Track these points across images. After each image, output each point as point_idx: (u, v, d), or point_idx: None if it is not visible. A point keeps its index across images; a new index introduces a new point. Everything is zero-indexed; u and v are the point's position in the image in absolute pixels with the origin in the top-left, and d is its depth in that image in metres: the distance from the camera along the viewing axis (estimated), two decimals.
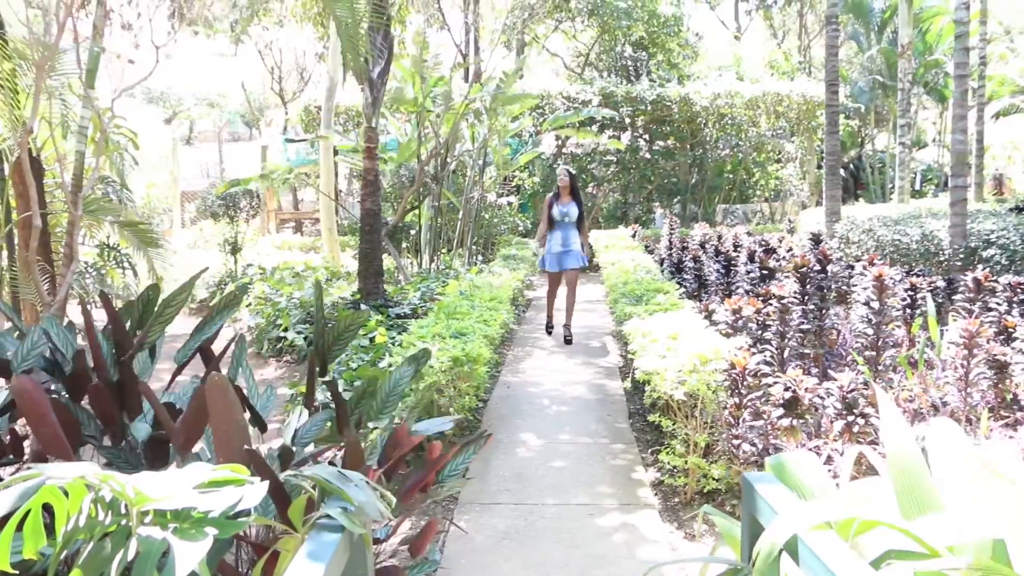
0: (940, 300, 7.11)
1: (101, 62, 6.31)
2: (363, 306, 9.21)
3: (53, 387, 3.38)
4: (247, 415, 3.34)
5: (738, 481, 4.51)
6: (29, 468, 1.68)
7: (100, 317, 8.17)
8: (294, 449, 3.02)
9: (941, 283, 7.36)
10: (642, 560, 4.04)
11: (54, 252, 7.09)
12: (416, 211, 13.76)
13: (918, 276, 7.14)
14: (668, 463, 4.85)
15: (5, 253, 7.38)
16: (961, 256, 9.57)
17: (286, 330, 9.09)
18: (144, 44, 6.89)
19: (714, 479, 4.62)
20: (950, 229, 9.91)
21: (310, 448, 3.16)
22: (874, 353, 5.71)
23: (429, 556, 3.27)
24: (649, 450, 5.67)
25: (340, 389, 5.97)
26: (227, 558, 2.78)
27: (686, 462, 4.71)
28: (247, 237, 15.40)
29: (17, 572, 2.09)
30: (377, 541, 3.38)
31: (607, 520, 4.54)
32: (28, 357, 3.33)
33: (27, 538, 1.61)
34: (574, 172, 9.73)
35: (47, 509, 1.65)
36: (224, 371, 3.32)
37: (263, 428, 3.32)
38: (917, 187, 25.58)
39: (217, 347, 3.78)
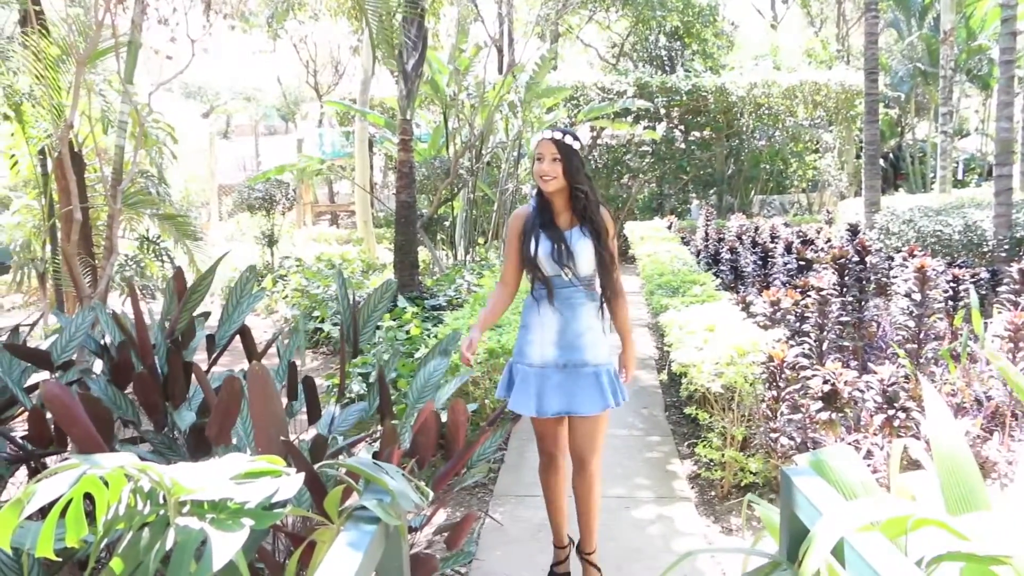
0: (984, 292, 6.99)
1: (139, 57, 6.38)
2: (399, 298, 9.25)
3: (97, 373, 3.42)
4: (304, 404, 3.38)
5: (776, 475, 4.47)
6: (69, 458, 1.70)
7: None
8: (329, 439, 3.04)
9: (985, 274, 7.22)
10: (679, 553, 4.01)
11: (95, 245, 7.20)
12: (451, 203, 13.78)
13: (961, 267, 7.01)
14: (705, 456, 4.81)
15: (48, 246, 7.50)
16: (1006, 247, 9.39)
17: (322, 321, 9.15)
18: (181, 39, 6.95)
19: (751, 473, 4.58)
20: (994, 219, 9.72)
21: (343, 439, 3.18)
22: (915, 346, 5.62)
23: (464, 548, 3.27)
24: (685, 443, 5.63)
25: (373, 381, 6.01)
26: (264, 547, 2.80)
27: (723, 455, 4.67)
28: (283, 230, 15.53)
29: (60, 559, 2.12)
30: (412, 531, 3.39)
31: (643, 513, 4.52)
32: (68, 347, 3.38)
33: (69, 526, 1.63)
34: (574, 143, 3.45)
35: (89, 498, 1.67)
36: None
37: (316, 416, 3.35)
38: (959, 177, 25.14)
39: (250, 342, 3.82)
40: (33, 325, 4.31)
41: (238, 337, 3.72)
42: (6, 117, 6.77)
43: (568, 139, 3.41)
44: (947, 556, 1.61)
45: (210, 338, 3.67)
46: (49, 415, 3.31)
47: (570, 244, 3.46)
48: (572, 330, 3.49)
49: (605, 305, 3.57)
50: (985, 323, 5.81)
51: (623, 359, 3.69)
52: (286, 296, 10.49)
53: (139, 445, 3.27)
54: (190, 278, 5.30)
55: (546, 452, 3.72)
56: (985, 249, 9.89)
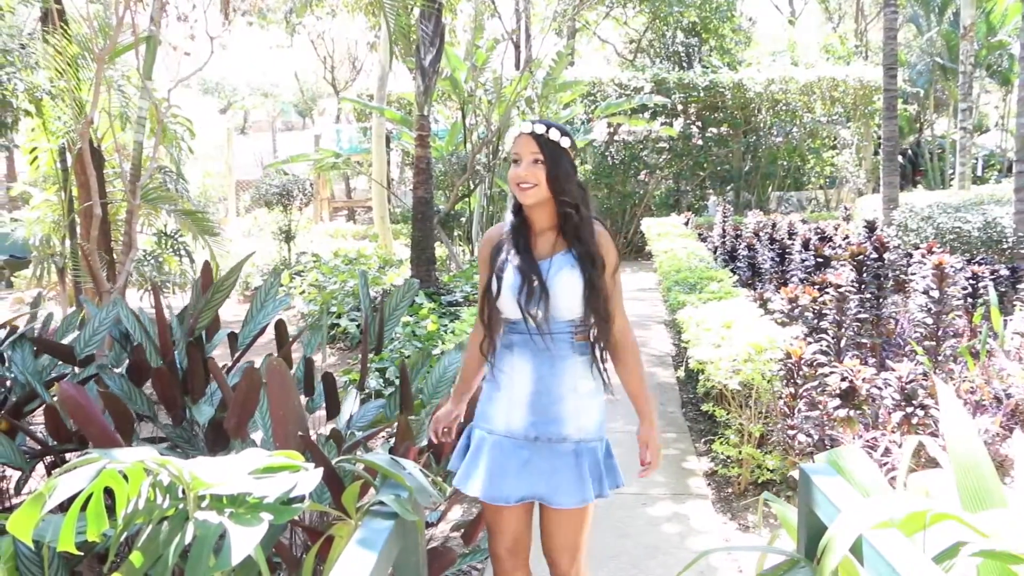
0: (1003, 289, 6.93)
1: (158, 54, 6.42)
2: (416, 297, 9.25)
3: (113, 369, 3.45)
4: (323, 399, 3.40)
5: (793, 472, 4.45)
6: (90, 453, 1.72)
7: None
8: (346, 434, 3.05)
9: (1004, 271, 7.16)
10: (695, 551, 4.00)
11: (114, 240, 7.25)
12: (468, 199, 13.79)
13: (980, 264, 6.96)
14: (721, 453, 4.80)
15: (68, 241, 7.56)
16: None
17: (339, 317, 9.18)
18: (199, 35, 6.98)
19: (768, 470, 4.56)
20: (1014, 216, 9.64)
21: (361, 434, 3.20)
22: (934, 343, 5.58)
23: (481, 544, 3.28)
24: (702, 440, 5.62)
25: (392, 376, 6.03)
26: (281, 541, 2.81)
27: (740, 452, 4.66)
28: (300, 225, 15.58)
29: (81, 553, 2.14)
30: (428, 526, 3.41)
31: (659, 510, 4.51)
32: (91, 342, 3.41)
33: (90, 520, 1.64)
34: (563, 139, 2.52)
35: (109, 492, 1.68)
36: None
37: (335, 412, 3.36)
38: (978, 173, 24.94)
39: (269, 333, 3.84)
40: (30, 316, 4.33)
41: (256, 336, 3.74)
42: (27, 113, 6.84)
43: (554, 134, 2.51)
44: (970, 554, 1.60)
45: (232, 335, 3.69)
46: None
47: (545, 278, 2.52)
48: (549, 393, 2.55)
49: (599, 362, 2.61)
50: (1004, 320, 5.77)
51: (641, 434, 2.66)
52: (303, 292, 10.54)
53: (157, 444, 3.31)
54: None
55: (498, 557, 2.74)
56: (1005, 246, 9.81)
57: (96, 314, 3.53)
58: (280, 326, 3.67)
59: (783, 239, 9.39)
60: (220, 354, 3.85)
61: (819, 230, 10.64)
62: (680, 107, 19.53)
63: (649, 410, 2.67)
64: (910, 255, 8.01)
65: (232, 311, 10.57)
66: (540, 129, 2.51)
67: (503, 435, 2.56)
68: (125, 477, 1.69)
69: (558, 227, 2.58)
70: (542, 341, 2.54)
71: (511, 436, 2.56)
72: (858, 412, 4.61)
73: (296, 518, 2.32)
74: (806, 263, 7.98)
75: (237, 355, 3.69)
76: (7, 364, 3.44)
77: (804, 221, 13.18)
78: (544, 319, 2.51)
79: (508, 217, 2.67)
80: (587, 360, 2.59)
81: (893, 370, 4.58)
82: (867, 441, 4.35)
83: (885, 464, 4.14)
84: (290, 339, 3.67)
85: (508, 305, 2.54)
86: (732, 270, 8.55)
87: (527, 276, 2.50)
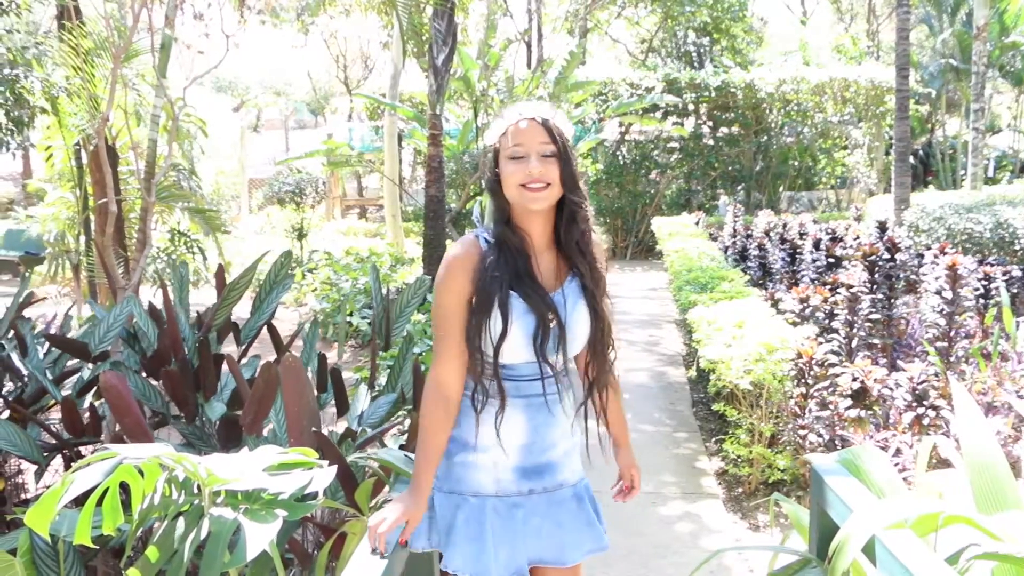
0: (1015, 290, 6.90)
1: (172, 51, 6.44)
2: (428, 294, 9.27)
3: (126, 365, 3.48)
4: (332, 396, 3.42)
5: (803, 472, 4.45)
6: (106, 448, 1.74)
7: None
8: (359, 431, 3.07)
9: (1017, 272, 7.13)
10: (706, 550, 4.01)
11: (128, 237, 7.29)
12: (479, 198, 13.80)
13: (992, 265, 6.93)
14: (732, 452, 4.80)
15: (83, 238, 7.61)
16: None
17: (351, 314, 9.20)
18: (214, 34, 7.01)
19: (779, 469, 4.56)
20: None
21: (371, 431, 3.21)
22: (946, 344, 5.57)
23: None
24: (713, 439, 5.62)
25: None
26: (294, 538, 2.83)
27: (751, 452, 4.66)
28: (312, 223, 15.62)
29: (97, 547, 2.16)
30: None
31: (670, 509, 4.52)
32: (105, 339, 3.44)
33: (106, 515, 1.66)
34: (568, 129, 2.00)
35: (124, 488, 1.70)
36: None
37: (344, 409, 3.38)
38: (990, 174, 24.79)
39: (282, 332, 3.86)
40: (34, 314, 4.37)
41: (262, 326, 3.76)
42: (43, 111, 6.89)
43: (561, 120, 2.01)
44: (979, 556, 1.60)
45: (235, 326, 3.71)
46: (84, 406, 3.37)
47: (563, 314, 2.02)
48: (542, 441, 2.11)
49: (595, 399, 2.19)
50: (1017, 322, 5.74)
51: (626, 461, 2.45)
52: (315, 289, 10.56)
53: (167, 433, 3.33)
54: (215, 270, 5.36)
55: None
56: (1017, 247, 9.76)
57: (112, 311, 3.56)
58: (271, 328, 3.69)
59: (794, 239, 9.36)
60: (226, 348, 3.87)
61: (830, 230, 10.60)
62: (691, 107, 19.48)
63: (629, 440, 2.46)
64: (921, 256, 7.99)
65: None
66: (548, 116, 1.98)
67: (493, 496, 2.07)
68: (141, 472, 1.70)
69: (556, 243, 2.08)
70: (551, 386, 2.05)
71: (503, 496, 2.08)
72: (869, 412, 4.61)
73: (308, 514, 2.34)
74: (817, 263, 7.96)
75: (244, 347, 3.71)
76: (28, 356, 3.47)
77: (815, 221, 13.14)
78: (564, 363, 2.09)
79: (479, 231, 2.10)
80: (570, 396, 2.17)
81: (904, 371, 4.57)
82: (878, 442, 4.35)
83: (896, 464, 4.13)
84: (286, 335, 3.70)
85: (518, 351, 2.01)
86: (743, 270, 8.54)
87: (542, 315, 1.97)
